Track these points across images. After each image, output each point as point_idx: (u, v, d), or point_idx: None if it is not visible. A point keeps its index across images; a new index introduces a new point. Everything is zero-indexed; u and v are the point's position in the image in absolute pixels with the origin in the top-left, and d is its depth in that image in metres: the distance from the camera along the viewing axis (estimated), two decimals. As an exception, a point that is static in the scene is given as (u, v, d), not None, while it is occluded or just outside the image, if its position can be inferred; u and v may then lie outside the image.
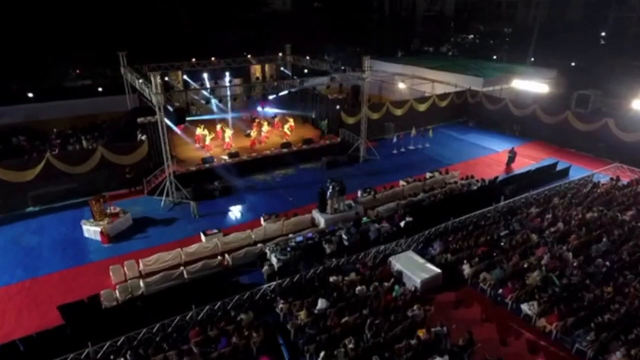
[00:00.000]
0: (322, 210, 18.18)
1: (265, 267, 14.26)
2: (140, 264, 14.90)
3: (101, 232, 16.91)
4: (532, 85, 32.72)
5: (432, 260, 15.21)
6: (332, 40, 48.36)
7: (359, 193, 20.69)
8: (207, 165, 22.59)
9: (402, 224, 17.53)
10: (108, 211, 17.95)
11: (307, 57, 29.89)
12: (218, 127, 26.13)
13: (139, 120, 21.14)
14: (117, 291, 13.34)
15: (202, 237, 16.87)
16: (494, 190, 20.98)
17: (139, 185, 21.56)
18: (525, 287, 13.36)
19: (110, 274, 14.49)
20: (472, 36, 68.83)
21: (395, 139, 27.60)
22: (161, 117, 18.97)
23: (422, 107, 31.59)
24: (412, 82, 36.82)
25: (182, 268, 14.46)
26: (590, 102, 34.03)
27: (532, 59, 56.90)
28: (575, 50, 53.94)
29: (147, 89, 19.09)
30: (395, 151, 27.68)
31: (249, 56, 31.26)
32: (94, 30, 37.43)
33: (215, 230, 17.11)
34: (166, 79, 28.21)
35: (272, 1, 51.89)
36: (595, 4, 62.98)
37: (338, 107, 27.94)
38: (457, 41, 66.81)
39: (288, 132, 26.83)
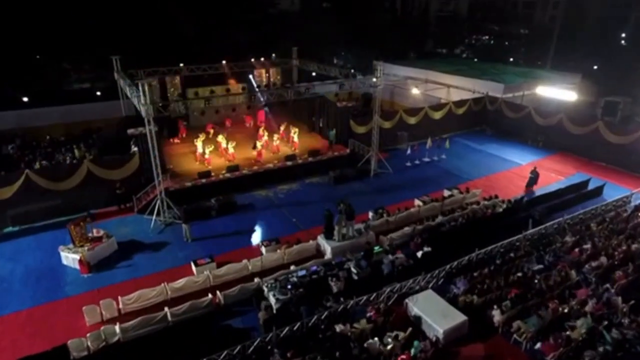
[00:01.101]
0: (329, 236, 16.16)
1: (261, 312, 12.25)
2: (120, 302, 13.03)
3: (80, 261, 15.06)
4: (557, 92, 30.27)
5: (454, 300, 13.11)
6: (341, 42, 46.36)
7: (370, 215, 18.67)
8: (203, 181, 20.68)
9: (419, 254, 15.48)
10: (90, 235, 16.10)
11: (315, 61, 27.91)
12: (219, 138, 24.24)
13: (129, 131, 19.34)
14: (88, 339, 11.43)
15: (193, 268, 14.96)
16: (520, 212, 18.85)
17: (130, 202, 19.73)
18: (570, 342, 11.19)
19: (84, 315, 12.61)
20: (486, 37, 66.29)
21: (409, 151, 25.46)
22: (150, 129, 17.10)
23: (437, 115, 29.40)
24: (426, 87, 34.66)
25: (166, 309, 12.51)
26: (619, 109, 31.66)
27: (551, 62, 54.47)
28: (595, 52, 51.30)
29: (136, 98, 17.22)
30: (408, 164, 25.56)
31: (252, 60, 29.25)
32: (93, 30, 35.88)
33: (208, 260, 15.19)
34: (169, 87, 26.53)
35: (280, 1, 49.89)
36: (615, 3, 60.09)
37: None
38: (471, 42, 64.31)
39: (296, 141, 24.87)
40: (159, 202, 18.23)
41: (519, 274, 14.04)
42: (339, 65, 25.07)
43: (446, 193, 20.96)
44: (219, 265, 15.11)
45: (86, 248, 15.45)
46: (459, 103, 30.49)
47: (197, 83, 28.22)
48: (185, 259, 15.87)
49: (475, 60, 53.21)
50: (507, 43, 66.54)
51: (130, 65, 26.10)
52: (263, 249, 16.23)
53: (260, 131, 25.13)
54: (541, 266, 14.66)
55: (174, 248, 16.86)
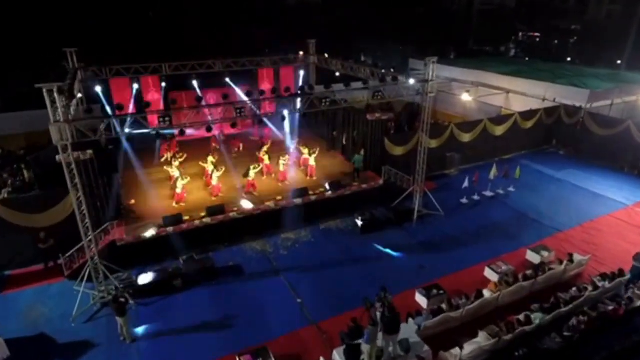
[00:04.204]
0: (352, 358, 9.34)
1: None
2: None
3: None
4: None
5: None
6: (370, 37, 39.34)
7: (418, 297, 11.82)
8: (170, 230, 14.17)
9: (517, 406, 8.50)
10: (-38, 336, 9.85)
11: (340, 59, 21.02)
12: (209, 160, 17.85)
13: (58, 157, 12.96)
14: None
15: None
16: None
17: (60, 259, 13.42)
18: None
19: None
20: (538, 34, 57.96)
21: (466, 183, 18.28)
22: (66, 159, 10.80)
23: (499, 130, 22.16)
24: (477, 93, 27.45)
25: None
26: None
27: (619, 62, 46.27)
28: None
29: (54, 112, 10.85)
30: (464, 200, 18.44)
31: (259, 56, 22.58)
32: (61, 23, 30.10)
33: (141, 399, 8.68)
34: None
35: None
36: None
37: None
38: (521, 39, 56.06)
39: (312, 164, 18.23)
40: (91, 270, 11.84)
41: None
42: (369, 64, 18.11)
43: (531, 256, 13.89)
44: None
45: (-59, 367, 9.19)
46: (527, 114, 23.13)
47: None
48: (109, 386, 9.41)
49: (527, 59, 45.56)
50: (556, 42, 58.40)
51: (106, 61, 20.03)
52: (241, 371, 9.61)
53: (262, 152, 18.43)
54: None
55: (101, 356, 10.38)
